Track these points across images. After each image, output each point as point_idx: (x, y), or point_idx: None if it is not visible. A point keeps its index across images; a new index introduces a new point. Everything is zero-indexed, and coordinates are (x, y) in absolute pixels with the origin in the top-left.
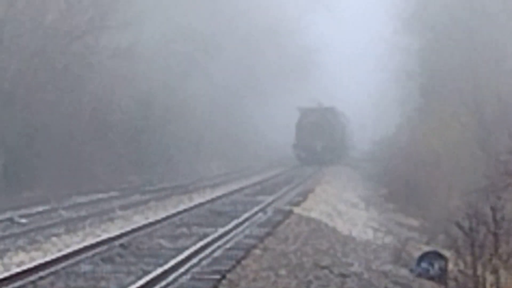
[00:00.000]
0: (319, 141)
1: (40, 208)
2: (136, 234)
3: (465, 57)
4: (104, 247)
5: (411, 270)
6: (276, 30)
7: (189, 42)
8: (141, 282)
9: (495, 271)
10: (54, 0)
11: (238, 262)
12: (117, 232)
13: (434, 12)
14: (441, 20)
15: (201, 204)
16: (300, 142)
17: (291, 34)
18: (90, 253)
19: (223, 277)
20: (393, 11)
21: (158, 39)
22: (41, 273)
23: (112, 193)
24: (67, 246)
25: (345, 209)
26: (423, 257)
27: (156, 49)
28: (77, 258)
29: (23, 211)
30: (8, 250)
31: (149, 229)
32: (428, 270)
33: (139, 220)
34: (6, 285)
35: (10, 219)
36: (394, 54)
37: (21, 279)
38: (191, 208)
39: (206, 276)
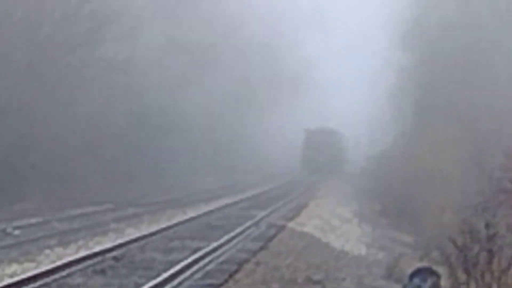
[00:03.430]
0: (321, 156)
1: (34, 220)
2: (129, 246)
3: (459, 73)
4: (97, 260)
5: (404, 286)
6: (272, 45)
7: (185, 55)
8: None
9: None
10: (50, 12)
11: (231, 276)
12: (110, 245)
13: (429, 29)
14: (436, 37)
15: (195, 218)
16: (306, 157)
17: (287, 48)
18: (82, 265)
19: None
20: (388, 27)
21: (153, 52)
22: (34, 285)
23: (106, 206)
24: (60, 258)
25: (338, 224)
26: (416, 273)
27: (151, 61)
28: (70, 270)
29: (17, 223)
30: (1, 261)
31: (142, 242)
32: (420, 286)
33: (132, 233)
34: None
35: (3, 231)
36: (389, 70)
37: None
38: (185, 222)
39: None
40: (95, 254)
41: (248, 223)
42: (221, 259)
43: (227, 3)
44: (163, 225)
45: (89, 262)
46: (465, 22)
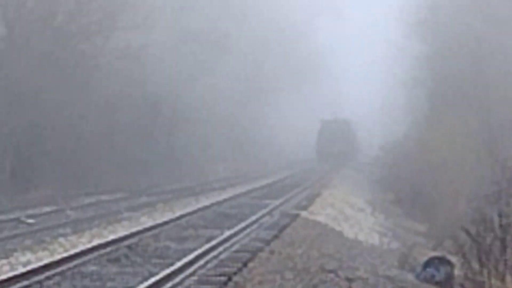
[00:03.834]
0: (336, 146)
1: (47, 208)
2: (142, 235)
3: (473, 62)
4: (111, 248)
5: (417, 275)
6: (285, 33)
7: (199, 43)
8: (147, 283)
9: (501, 277)
10: (64, 0)
11: (245, 264)
12: (124, 233)
13: (443, 18)
14: (450, 26)
15: (208, 207)
16: (320, 147)
17: (300, 37)
18: (96, 253)
19: (229, 279)
20: (402, 16)
21: (167, 41)
22: (48, 273)
23: (119, 194)
24: (74, 247)
25: (351, 213)
26: (429, 262)
27: (164, 50)
28: (84, 258)
29: (30, 211)
30: (15, 250)
31: (155, 231)
32: (434, 276)
33: (146, 222)
34: (13, 284)
35: (17, 219)
36: (403, 59)
37: (27, 279)
38: (198, 210)
39: (212, 278)
40: (109, 243)
41: (261, 212)
42: (235, 247)
43: None
44: (177, 214)
45: (103, 250)
46: (479, 10)
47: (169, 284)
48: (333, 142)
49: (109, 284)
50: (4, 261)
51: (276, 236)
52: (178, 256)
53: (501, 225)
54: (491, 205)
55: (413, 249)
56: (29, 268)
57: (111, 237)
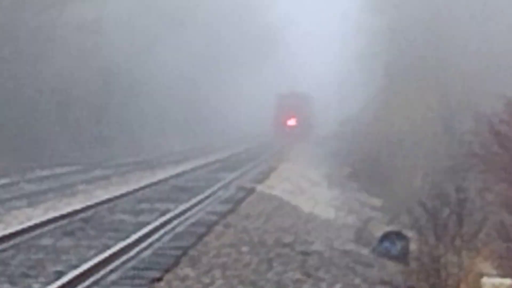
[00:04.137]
0: (292, 121)
1: (2, 181)
2: (97, 208)
3: (430, 37)
4: (66, 221)
5: (373, 250)
6: (241, 6)
7: (155, 15)
8: (102, 256)
9: (457, 252)
10: None
11: (200, 238)
12: (79, 206)
13: None
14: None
15: (164, 180)
16: (277, 122)
17: (255, 11)
18: (51, 226)
19: (185, 253)
20: None
21: (122, 13)
22: (2, 246)
23: (75, 167)
24: (29, 219)
25: (308, 187)
26: (385, 236)
27: (120, 22)
28: (39, 231)
29: None
30: None
31: (111, 204)
32: (389, 250)
33: (101, 195)
34: None
35: None
36: (359, 33)
37: None
38: (154, 184)
39: (167, 252)
40: (64, 216)
41: (217, 186)
42: (190, 221)
43: None
44: (132, 187)
45: (58, 223)
46: None
47: (124, 257)
48: (289, 117)
49: (64, 257)
50: None
51: (231, 210)
52: (133, 229)
53: (458, 200)
54: (448, 179)
55: (369, 223)
56: None
57: (66, 210)
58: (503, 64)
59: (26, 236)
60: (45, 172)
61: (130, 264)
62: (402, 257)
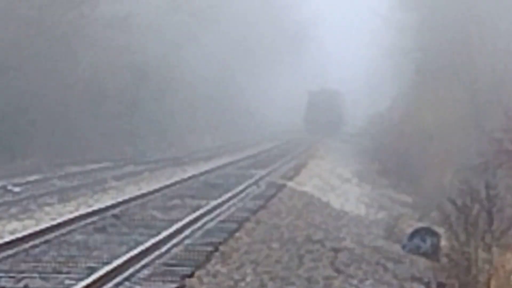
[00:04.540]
0: (323, 117)
1: (34, 177)
2: (129, 204)
3: (460, 33)
4: (97, 217)
5: (403, 246)
6: (271, 3)
7: (185, 13)
8: (134, 252)
9: (488, 248)
10: None
11: (231, 234)
12: (110, 203)
13: None
14: None
15: (195, 176)
16: (308, 117)
17: (286, 7)
18: (83, 222)
19: (216, 249)
20: None
21: (154, 10)
22: (34, 242)
23: (106, 164)
24: (60, 215)
25: (338, 184)
26: (415, 233)
27: (152, 20)
28: (70, 227)
29: (17, 180)
30: (1, 218)
31: (142, 200)
32: (420, 246)
33: (132, 191)
34: None
35: (4, 187)
36: (389, 30)
37: (13, 247)
38: (185, 180)
39: (199, 248)
40: (95, 212)
41: (247, 182)
42: (221, 217)
43: None
44: (162, 184)
45: (89, 219)
46: None
47: (156, 253)
48: (321, 113)
49: (95, 253)
50: None
51: (262, 206)
52: (165, 225)
53: (488, 196)
54: (478, 176)
55: (399, 220)
56: (15, 236)
57: (98, 206)
58: None
59: (58, 232)
60: (76, 168)
61: (161, 260)
62: (433, 254)
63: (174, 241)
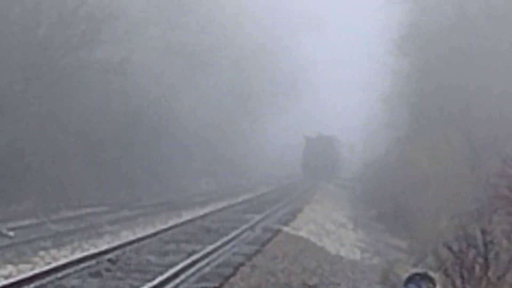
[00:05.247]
0: (320, 161)
1: (29, 221)
2: (124, 249)
3: (455, 79)
4: (92, 262)
5: None
6: (267, 48)
7: (180, 58)
8: None
9: None
10: (47, 13)
11: (226, 279)
12: (105, 247)
13: (425, 34)
14: (432, 42)
15: (190, 221)
16: (305, 162)
17: (283, 52)
18: (78, 267)
19: None
20: (384, 32)
21: (149, 54)
22: (29, 287)
23: (101, 208)
24: (55, 260)
25: (333, 229)
26: (410, 278)
27: (147, 64)
28: (65, 272)
29: (11, 224)
30: None
31: (137, 245)
32: None
33: (127, 236)
34: None
35: None
36: (385, 75)
37: None
38: (180, 225)
39: None
40: (91, 256)
41: (243, 227)
42: (217, 262)
43: (223, 6)
44: (158, 228)
45: (85, 264)
46: (461, 27)
47: None
48: (317, 158)
49: None
50: None
51: (258, 251)
52: (160, 270)
53: (484, 242)
54: (474, 221)
55: (394, 265)
56: (10, 281)
57: (93, 250)
58: None
59: (53, 277)
60: (71, 213)
61: None
62: None
63: (169, 286)
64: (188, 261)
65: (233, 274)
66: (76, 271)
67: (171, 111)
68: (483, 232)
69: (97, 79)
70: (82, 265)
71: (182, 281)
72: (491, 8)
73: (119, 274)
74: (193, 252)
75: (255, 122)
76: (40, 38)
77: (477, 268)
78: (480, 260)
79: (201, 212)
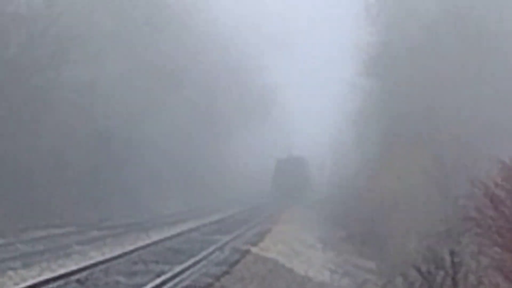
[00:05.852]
0: (290, 182)
1: None
2: (93, 269)
3: (424, 101)
4: (61, 282)
5: None
6: (236, 68)
7: (151, 78)
8: None
9: None
10: (16, 33)
11: None
12: (73, 268)
13: (394, 56)
14: (401, 63)
15: (159, 242)
16: (275, 183)
17: (252, 72)
18: (46, 287)
19: None
20: (354, 53)
21: (118, 75)
22: None
23: (70, 228)
24: (24, 280)
25: (302, 250)
26: None
27: (116, 84)
28: None
29: None
30: None
31: (106, 265)
32: None
33: (96, 256)
34: None
35: None
36: (355, 96)
37: None
38: (148, 245)
39: None
40: (59, 277)
41: (212, 248)
42: (185, 283)
43: (194, 26)
44: (126, 249)
45: (53, 284)
46: (431, 49)
47: None
48: (287, 179)
49: None
50: None
51: (226, 272)
52: None
53: (452, 263)
54: (442, 243)
55: (363, 286)
56: None
57: (61, 271)
58: (498, 128)
59: None
60: (40, 233)
61: None
62: None
63: None
64: (157, 281)
65: None
66: None
67: (140, 132)
68: (452, 253)
69: (66, 99)
70: (51, 285)
71: None
72: (460, 29)
73: None
74: (162, 273)
75: (224, 143)
76: (9, 58)
77: None
78: (449, 281)
79: (170, 233)
